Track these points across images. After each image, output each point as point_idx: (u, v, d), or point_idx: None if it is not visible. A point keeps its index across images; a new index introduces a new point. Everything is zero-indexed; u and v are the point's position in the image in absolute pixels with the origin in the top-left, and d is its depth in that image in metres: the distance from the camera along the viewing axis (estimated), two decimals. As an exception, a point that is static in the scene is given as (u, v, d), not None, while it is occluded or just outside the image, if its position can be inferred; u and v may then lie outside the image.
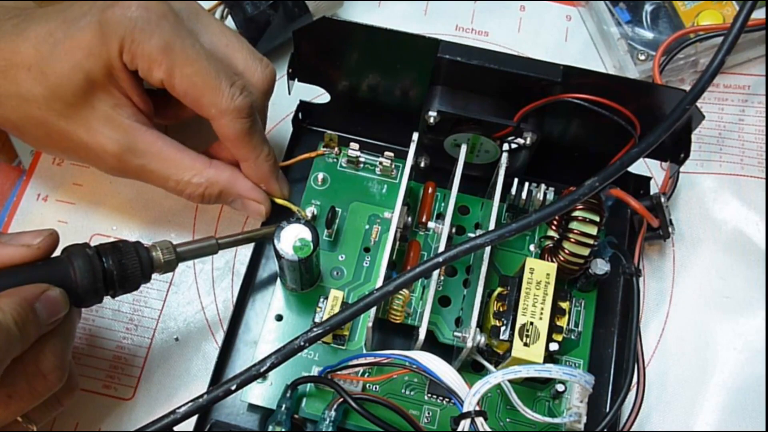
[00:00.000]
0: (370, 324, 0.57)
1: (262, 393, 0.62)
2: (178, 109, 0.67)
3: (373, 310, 0.57)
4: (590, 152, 0.64)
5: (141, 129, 0.61)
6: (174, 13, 0.59)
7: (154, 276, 0.66)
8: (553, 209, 0.54)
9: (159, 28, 0.58)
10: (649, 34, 0.76)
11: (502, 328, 0.57)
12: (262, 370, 0.53)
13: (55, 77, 0.58)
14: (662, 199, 0.65)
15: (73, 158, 0.65)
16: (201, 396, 0.52)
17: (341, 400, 0.57)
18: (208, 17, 0.63)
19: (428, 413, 0.62)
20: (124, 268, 0.56)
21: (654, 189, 0.71)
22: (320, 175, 0.70)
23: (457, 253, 0.54)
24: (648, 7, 0.77)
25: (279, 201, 0.67)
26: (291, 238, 0.59)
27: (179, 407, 0.51)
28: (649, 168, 0.73)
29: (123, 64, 0.58)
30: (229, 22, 0.73)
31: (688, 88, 0.69)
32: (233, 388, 0.52)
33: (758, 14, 0.74)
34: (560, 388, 0.61)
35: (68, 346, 0.55)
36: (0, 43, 0.59)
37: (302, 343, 0.53)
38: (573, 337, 0.65)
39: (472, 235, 0.64)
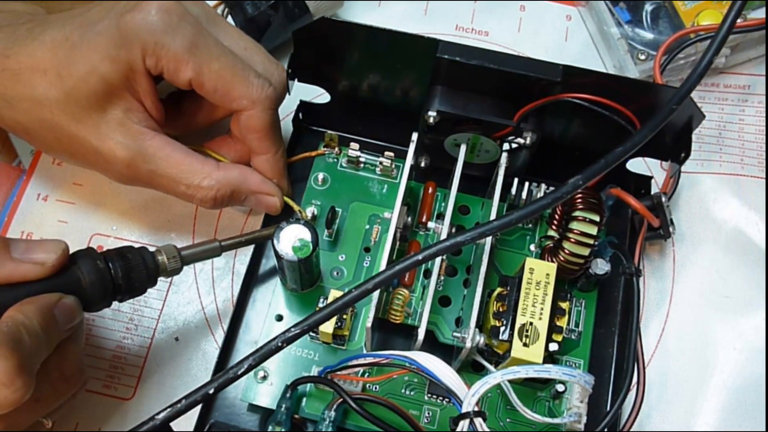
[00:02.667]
0: (370, 324, 0.57)
1: (262, 393, 0.62)
2: (188, 118, 0.67)
3: (373, 310, 0.57)
4: (591, 152, 0.64)
5: (150, 134, 0.61)
6: (192, 14, 0.60)
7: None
8: (534, 207, 0.53)
9: (181, 28, 0.59)
10: (649, 34, 0.76)
11: (502, 329, 0.57)
12: (239, 372, 0.52)
13: (71, 80, 0.58)
14: (663, 199, 0.65)
15: (82, 164, 0.65)
16: (179, 401, 0.51)
17: (341, 400, 0.57)
18: (224, 22, 0.64)
19: (428, 413, 0.62)
20: (131, 275, 0.57)
21: (654, 189, 0.71)
22: (320, 175, 0.70)
23: (437, 251, 0.53)
24: (648, 7, 0.77)
25: (284, 198, 0.67)
26: (290, 238, 0.59)
27: (158, 413, 0.51)
28: (650, 168, 0.73)
29: (145, 68, 0.59)
30: (229, 22, 0.73)
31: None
32: (211, 392, 0.52)
33: (758, 14, 0.74)
34: (560, 388, 0.61)
35: (82, 348, 0.57)
36: (15, 47, 0.59)
37: (280, 344, 0.53)
38: (573, 337, 0.65)
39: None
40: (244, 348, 0.65)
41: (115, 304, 0.57)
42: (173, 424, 0.52)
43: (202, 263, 0.69)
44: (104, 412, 0.65)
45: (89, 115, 0.59)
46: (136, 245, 0.59)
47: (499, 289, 0.60)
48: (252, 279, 0.68)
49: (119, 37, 0.58)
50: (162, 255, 0.59)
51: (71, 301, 0.54)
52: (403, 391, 0.63)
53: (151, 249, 0.59)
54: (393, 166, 0.69)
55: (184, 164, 0.62)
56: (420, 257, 0.53)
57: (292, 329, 0.53)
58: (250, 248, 0.68)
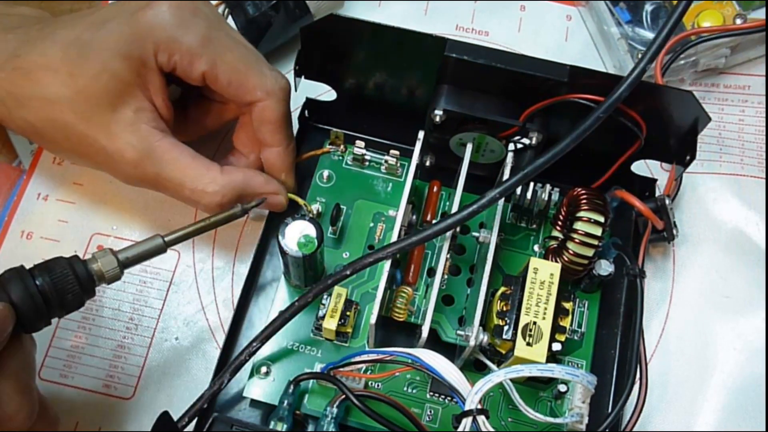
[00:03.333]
0: (374, 321, 0.57)
1: (264, 389, 0.62)
2: (195, 123, 0.68)
3: (377, 307, 0.57)
4: (595, 153, 0.64)
5: (159, 135, 0.61)
6: (203, 10, 0.61)
7: (154, 276, 0.67)
8: (509, 184, 0.57)
9: (194, 23, 0.59)
10: (649, 34, 0.76)
11: (505, 328, 0.57)
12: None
13: (82, 79, 0.58)
14: (667, 202, 0.65)
15: (90, 164, 0.65)
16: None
17: (343, 396, 0.57)
18: (228, 26, 0.64)
19: (430, 411, 0.62)
20: (58, 285, 0.53)
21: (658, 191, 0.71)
22: (326, 173, 0.70)
23: (409, 243, 0.57)
24: (648, 7, 0.77)
25: (289, 195, 0.67)
26: (296, 234, 0.59)
27: None
28: (650, 170, 0.74)
29: (157, 64, 0.59)
30: (230, 22, 0.73)
31: (688, 88, 0.69)
32: None
33: (758, 15, 0.75)
34: (562, 388, 0.61)
35: (30, 378, 0.54)
36: (26, 46, 0.60)
37: (245, 358, 0.59)
38: (576, 337, 0.65)
39: (475, 234, 0.64)
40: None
41: (115, 303, 0.57)
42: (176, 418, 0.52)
43: (202, 263, 0.70)
44: (104, 412, 0.65)
45: (100, 115, 0.59)
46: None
47: (502, 289, 0.60)
48: (255, 275, 0.68)
49: (131, 34, 0.58)
50: (96, 261, 0.56)
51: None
52: (405, 388, 0.63)
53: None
54: (398, 164, 0.69)
55: (190, 168, 0.62)
56: (380, 255, 0.56)
57: (254, 344, 0.59)
58: (253, 245, 0.68)
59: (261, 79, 0.62)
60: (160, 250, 0.59)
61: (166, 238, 0.59)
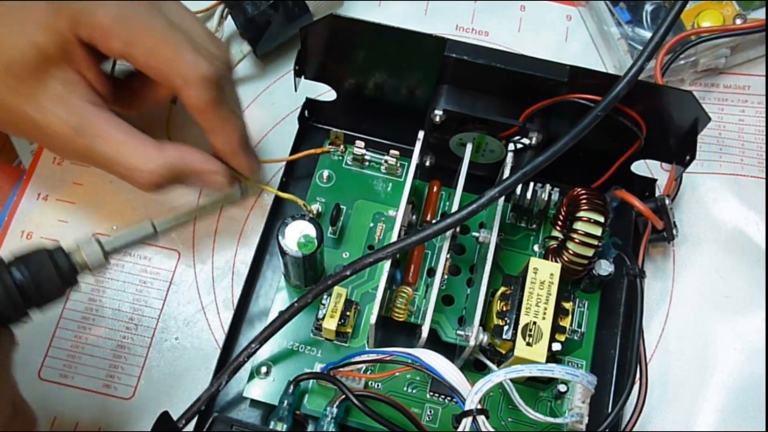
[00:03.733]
0: (374, 321, 0.57)
1: (264, 389, 0.62)
2: (139, 97, 0.65)
3: (377, 307, 0.57)
4: (595, 153, 0.64)
5: (91, 109, 0.59)
6: None
7: (154, 276, 0.67)
8: (509, 183, 0.57)
9: None
10: (649, 34, 0.75)
11: (505, 328, 0.57)
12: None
13: (6, 51, 0.56)
14: (666, 202, 0.65)
15: (29, 139, 0.64)
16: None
17: (343, 396, 0.57)
18: (167, 5, 0.61)
19: (430, 411, 0.62)
20: (35, 275, 0.52)
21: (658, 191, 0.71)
22: (325, 173, 0.70)
23: (409, 243, 0.57)
24: (648, 7, 0.77)
25: (284, 195, 0.67)
26: (295, 234, 0.59)
27: None
28: (650, 170, 0.74)
29: (77, 38, 0.57)
30: (229, 22, 0.73)
31: (688, 88, 0.69)
32: None
33: (758, 15, 0.75)
34: (562, 388, 0.61)
35: (6, 377, 0.52)
36: None
37: (244, 359, 0.59)
38: (576, 338, 0.65)
39: (475, 234, 0.64)
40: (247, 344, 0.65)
41: (115, 303, 0.56)
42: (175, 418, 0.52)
43: (202, 263, 0.70)
44: (104, 412, 0.64)
45: (27, 87, 0.57)
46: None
47: (502, 288, 0.60)
48: (255, 275, 0.67)
49: (51, 6, 0.56)
50: (78, 249, 0.55)
51: None
52: (405, 389, 0.63)
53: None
54: (398, 164, 0.69)
55: (123, 144, 0.59)
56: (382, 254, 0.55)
57: (253, 345, 0.59)
58: (253, 245, 0.68)
59: (180, 67, 0.58)
60: (149, 235, 0.59)
61: (156, 223, 0.59)
